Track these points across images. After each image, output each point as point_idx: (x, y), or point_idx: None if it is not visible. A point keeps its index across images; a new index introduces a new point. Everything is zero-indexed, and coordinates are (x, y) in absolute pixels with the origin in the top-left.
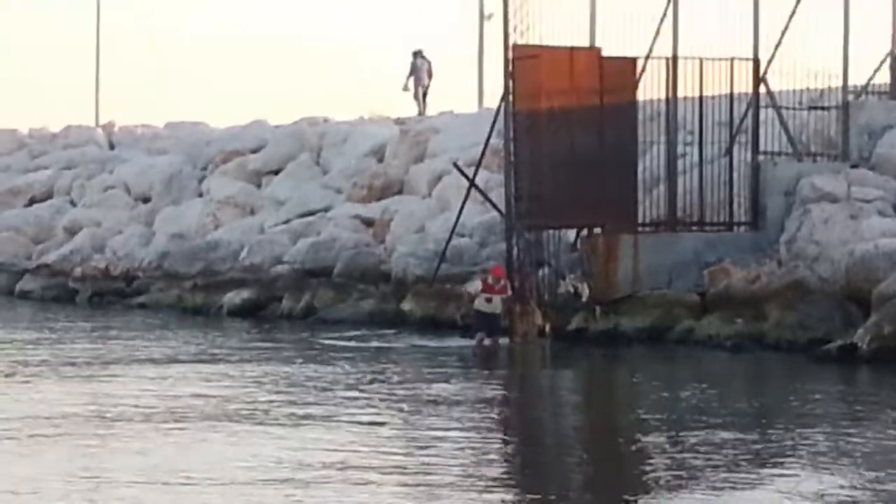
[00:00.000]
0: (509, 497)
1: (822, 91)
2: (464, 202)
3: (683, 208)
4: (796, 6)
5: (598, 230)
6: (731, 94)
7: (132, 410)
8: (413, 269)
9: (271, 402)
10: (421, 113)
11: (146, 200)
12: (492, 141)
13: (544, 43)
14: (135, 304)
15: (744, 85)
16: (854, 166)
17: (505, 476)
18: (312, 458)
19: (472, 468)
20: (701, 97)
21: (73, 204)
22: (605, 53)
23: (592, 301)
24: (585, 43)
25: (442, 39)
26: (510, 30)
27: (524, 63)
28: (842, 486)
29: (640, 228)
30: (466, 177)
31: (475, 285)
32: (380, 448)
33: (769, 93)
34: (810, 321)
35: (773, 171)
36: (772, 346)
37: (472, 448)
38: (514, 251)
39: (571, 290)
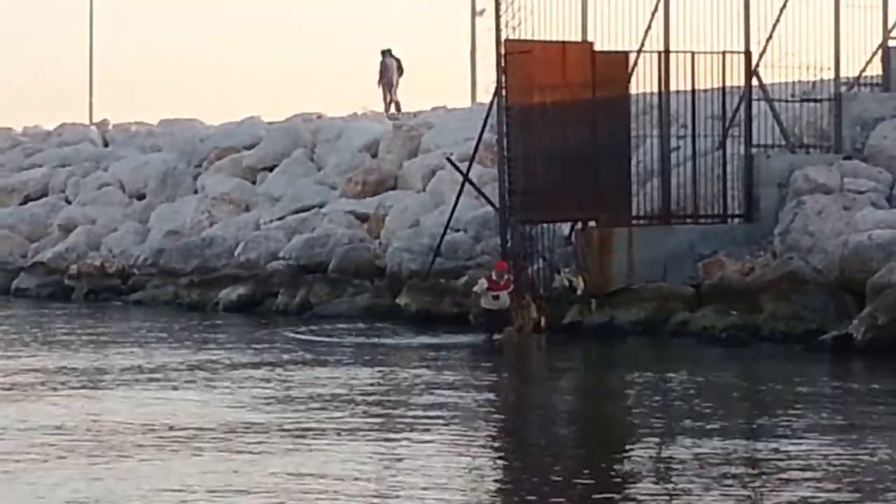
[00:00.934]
0: None
1: (815, 83)
2: (458, 197)
3: (677, 201)
4: None
5: (592, 223)
6: (724, 88)
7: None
8: (408, 263)
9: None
10: (387, 111)
11: (141, 198)
12: (485, 136)
13: (536, 38)
14: (130, 301)
15: (736, 78)
16: (847, 158)
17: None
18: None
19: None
20: (693, 90)
21: (67, 202)
22: (597, 47)
23: (587, 294)
24: (577, 37)
25: (434, 35)
26: (502, 25)
27: (516, 58)
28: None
29: (634, 221)
30: (460, 171)
31: (480, 284)
32: None
33: (761, 85)
34: (805, 312)
35: (767, 164)
36: (766, 338)
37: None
38: (509, 245)
39: (566, 283)
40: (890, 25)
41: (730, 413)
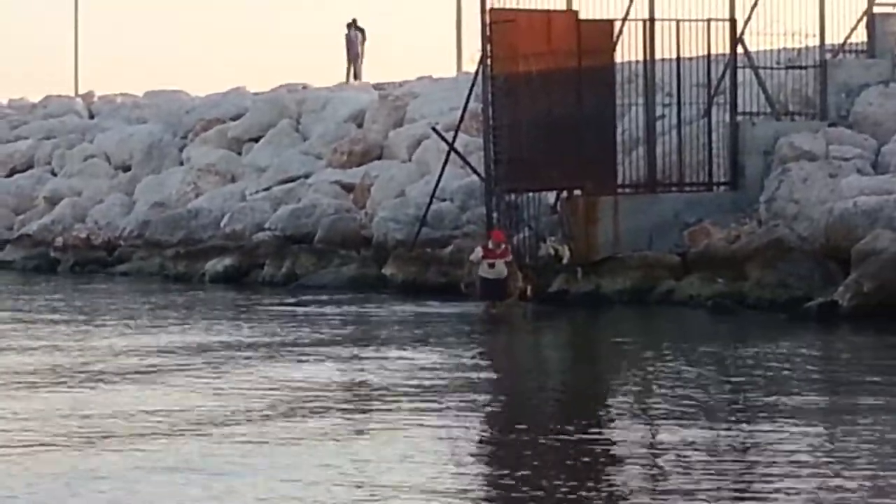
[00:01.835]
0: None
1: (800, 50)
2: (443, 166)
3: (663, 169)
4: None
5: (577, 192)
6: (709, 56)
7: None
8: (394, 233)
9: None
10: (347, 82)
11: (126, 169)
12: (470, 105)
13: (521, 6)
14: (116, 273)
15: (721, 46)
16: (832, 125)
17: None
18: None
19: None
20: (678, 59)
21: (53, 174)
22: (582, 16)
23: (573, 263)
24: (562, 5)
25: (420, 4)
26: None
27: (501, 27)
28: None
29: (619, 190)
30: (446, 141)
31: (476, 253)
32: None
33: (746, 53)
34: (790, 280)
35: (752, 131)
36: (752, 306)
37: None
38: (494, 214)
39: (552, 252)
40: None
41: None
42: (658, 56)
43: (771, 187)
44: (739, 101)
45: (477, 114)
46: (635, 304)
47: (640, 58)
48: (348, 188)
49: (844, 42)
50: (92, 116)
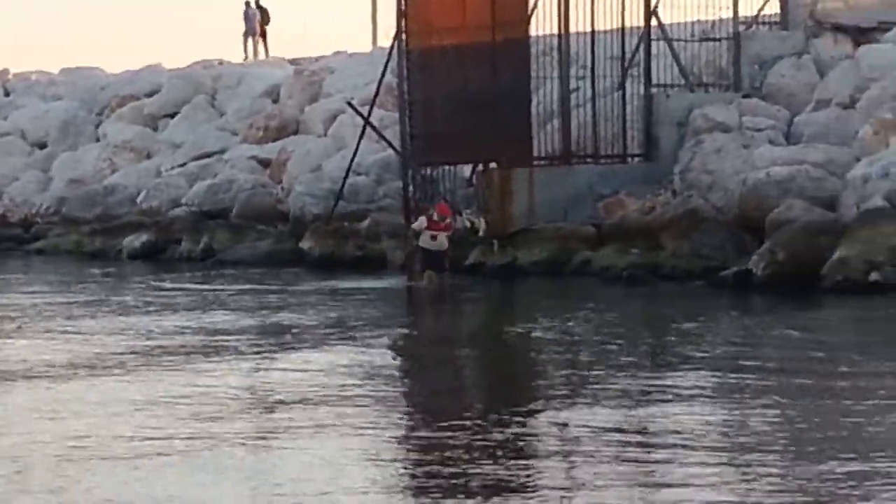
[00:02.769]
0: None
1: (713, 23)
2: (359, 141)
3: (577, 142)
4: None
5: (493, 165)
6: (623, 28)
7: None
8: (310, 207)
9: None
10: (246, 58)
11: (42, 146)
12: (386, 79)
13: None
14: (32, 251)
15: (635, 18)
16: (745, 96)
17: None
18: None
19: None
20: (593, 31)
21: None
22: None
23: (489, 235)
24: None
25: None
26: None
27: (416, 1)
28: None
29: (535, 163)
30: (361, 115)
31: (419, 222)
32: None
33: (660, 25)
34: (705, 250)
35: (666, 103)
36: (668, 276)
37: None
38: (410, 188)
39: (468, 224)
40: None
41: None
42: (573, 29)
43: (685, 158)
44: (653, 73)
45: (392, 88)
46: (551, 276)
47: (555, 31)
48: (264, 163)
49: (758, 14)
50: (7, 94)
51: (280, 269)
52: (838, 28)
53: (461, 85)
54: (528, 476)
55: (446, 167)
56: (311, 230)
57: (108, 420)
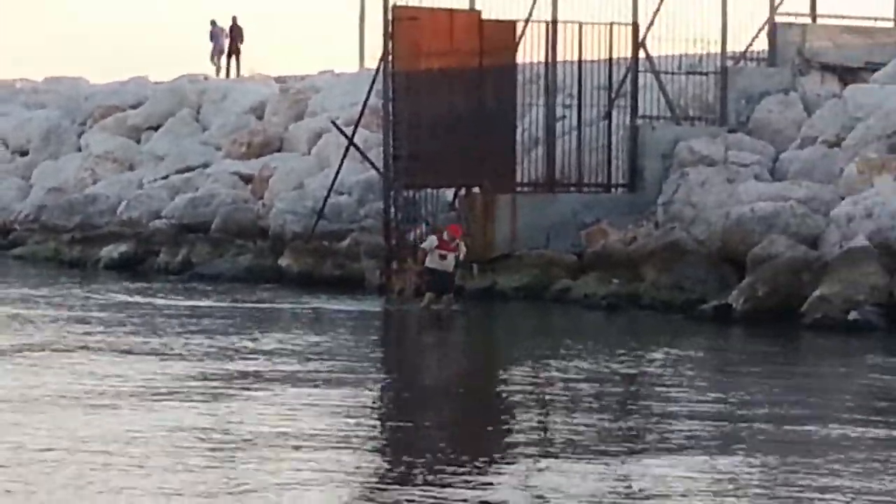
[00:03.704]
0: None
1: (701, 57)
2: (342, 160)
3: (562, 169)
4: None
5: (476, 190)
6: (611, 59)
7: None
8: (291, 225)
9: None
10: (217, 75)
11: (24, 154)
12: (371, 101)
13: (424, 4)
14: (10, 257)
15: (623, 49)
16: (731, 131)
17: None
18: None
19: None
20: (580, 61)
21: None
22: (485, 16)
23: (469, 260)
24: (465, 5)
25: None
26: None
27: (404, 24)
28: None
29: (518, 189)
30: (345, 135)
31: (430, 241)
32: None
33: (648, 57)
34: (686, 282)
35: (652, 135)
36: (648, 306)
37: None
38: (392, 210)
39: None
40: (777, 1)
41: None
42: (560, 58)
43: (669, 190)
44: (640, 104)
45: (377, 110)
46: (531, 301)
47: (543, 59)
48: (246, 179)
49: (746, 50)
50: None
51: (257, 285)
52: (826, 67)
53: (447, 109)
54: None
55: (429, 190)
56: (291, 248)
57: None
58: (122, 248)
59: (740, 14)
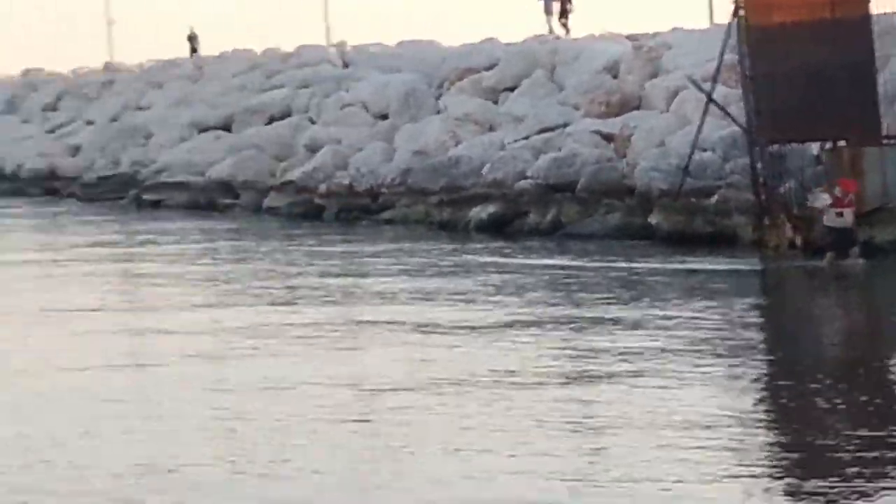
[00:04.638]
0: None
1: None
2: (703, 117)
3: None
4: None
5: (841, 143)
6: None
7: None
8: (657, 183)
9: None
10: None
11: (384, 118)
12: (726, 56)
13: None
14: (381, 220)
15: None
16: None
17: None
18: None
19: None
20: None
21: (311, 122)
22: None
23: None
24: None
25: None
26: None
27: None
28: None
29: (884, 141)
30: (705, 92)
31: (822, 199)
32: None
33: None
34: None
35: None
36: None
37: None
38: (759, 165)
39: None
40: None
41: None
42: None
43: None
44: None
45: (733, 65)
46: None
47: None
48: (608, 138)
49: None
50: (346, 66)
51: (629, 242)
52: None
53: (803, 62)
54: None
55: (793, 144)
56: (659, 205)
57: None
58: (490, 209)
59: None
